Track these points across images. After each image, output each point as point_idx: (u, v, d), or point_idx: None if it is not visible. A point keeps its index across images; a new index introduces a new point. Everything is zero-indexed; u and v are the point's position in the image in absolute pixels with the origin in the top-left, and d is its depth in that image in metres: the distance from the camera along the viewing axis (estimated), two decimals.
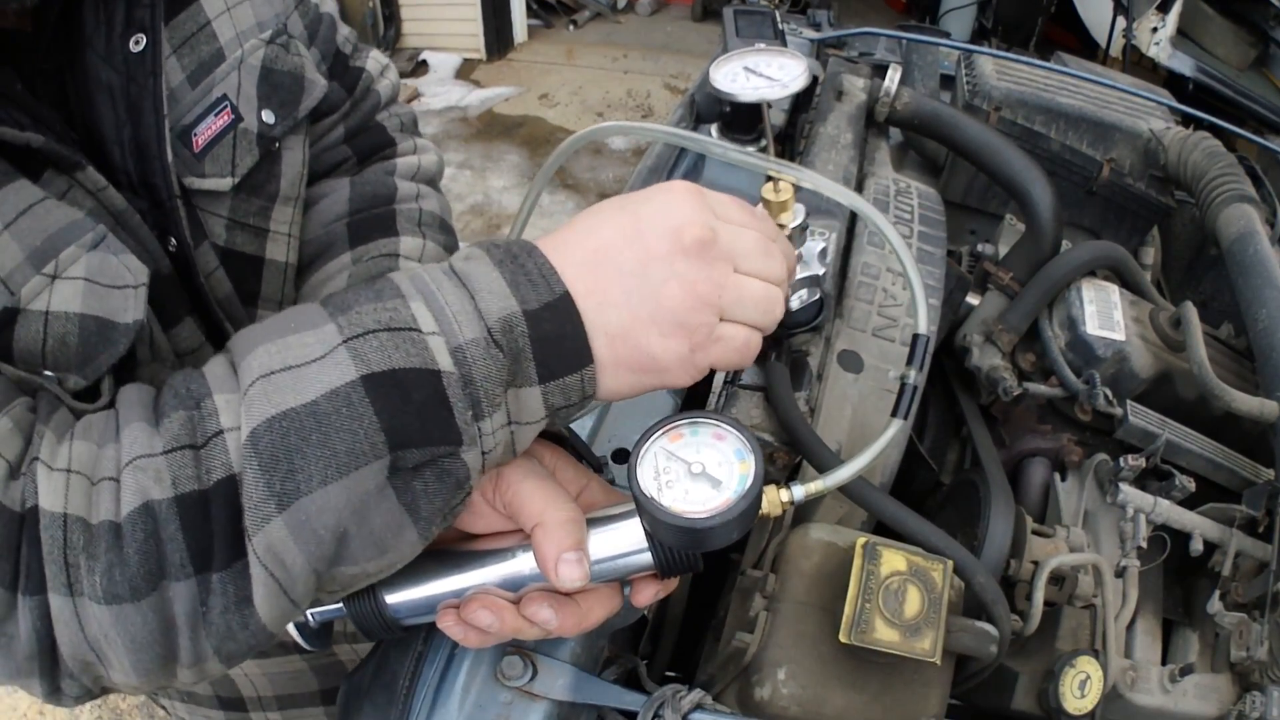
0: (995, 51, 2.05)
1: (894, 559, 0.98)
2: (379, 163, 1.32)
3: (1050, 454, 1.48)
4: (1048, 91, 1.88)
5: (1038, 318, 1.50)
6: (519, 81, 7.60)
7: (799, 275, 1.12)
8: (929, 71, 2.18)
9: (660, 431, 0.87)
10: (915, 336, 0.97)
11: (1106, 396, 1.38)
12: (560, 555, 0.84)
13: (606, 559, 0.90)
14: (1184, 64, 4.99)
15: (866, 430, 1.24)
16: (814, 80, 1.88)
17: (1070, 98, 1.87)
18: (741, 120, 1.53)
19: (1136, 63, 5.20)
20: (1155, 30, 5.15)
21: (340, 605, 0.92)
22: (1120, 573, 1.26)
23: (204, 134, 1.05)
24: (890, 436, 0.91)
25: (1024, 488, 1.47)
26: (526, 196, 1.08)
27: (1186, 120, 2.01)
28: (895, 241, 0.93)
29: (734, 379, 1.23)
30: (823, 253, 1.11)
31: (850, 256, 1.41)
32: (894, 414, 0.96)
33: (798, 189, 1.03)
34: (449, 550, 0.93)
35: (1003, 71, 1.92)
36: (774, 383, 1.17)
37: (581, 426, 1.27)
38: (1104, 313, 1.46)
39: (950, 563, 0.99)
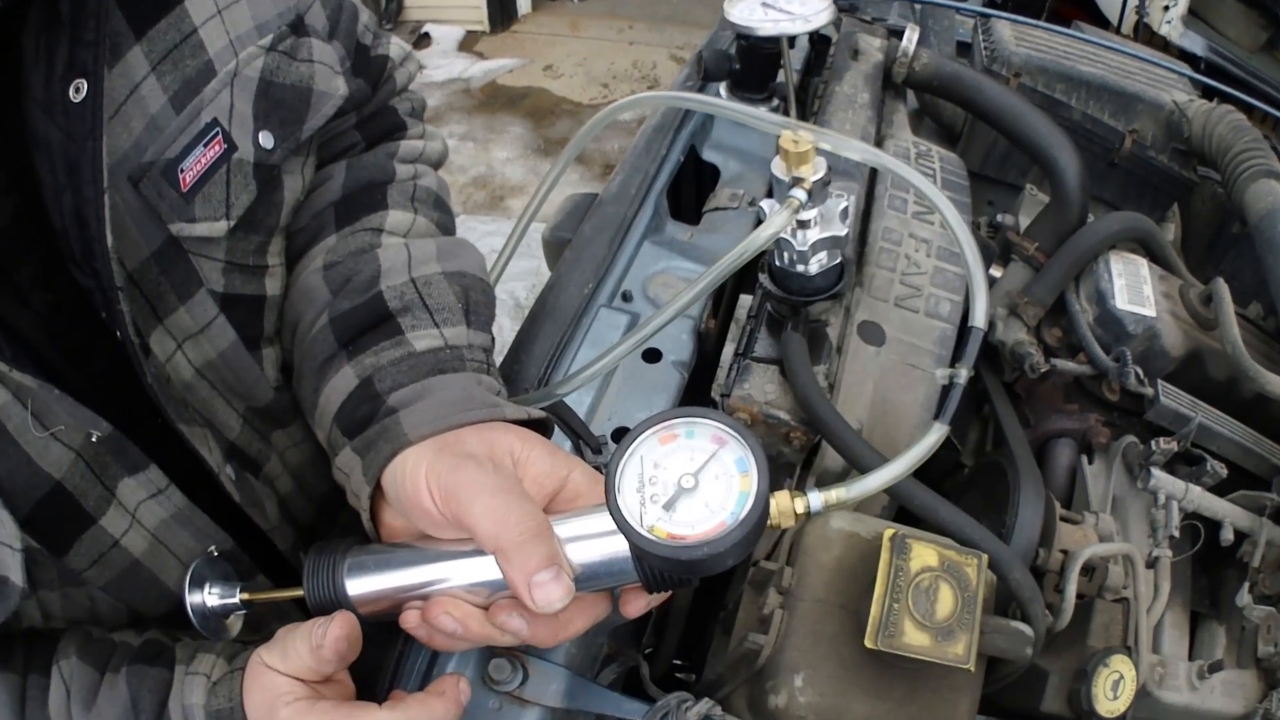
0: (1013, 16, 1.97)
1: (925, 553, 0.88)
2: (383, 146, 1.19)
3: (1077, 435, 1.39)
4: (1068, 59, 1.81)
5: (1064, 291, 1.42)
6: (523, 53, 7.44)
7: (819, 236, 1.02)
8: (945, 38, 2.11)
9: (650, 431, 0.76)
10: (970, 329, 0.85)
11: (1138, 375, 1.31)
12: (529, 580, 0.76)
13: (588, 568, 0.80)
14: (1195, 43, 4.91)
15: (889, 409, 1.15)
16: (827, 41, 1.80)
17: (1091, 66, 1.80)
18: (752, 76, 1.43)
19: (1148, 41, 5.09)
20: (1167, 9, 5.04)
21: (238, 600, 0.91)
22: (1152, 563, 1.20)
23: (192, 169, 0.89)
24: (930, 444, 0.80)
25: (1049, 470, 1.39)
26: (549, 172, 1.07)
27: (1207, 94, 1.94)
28: (948, 212, 0.82)
29: (746, 350, 1.14)
30: (844, 212, 1.02)
31: (870, 221, 1.33)
32: (937, 416, 0.85)
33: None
34: (419, 545, 0.86)
35: (1021, 37, 1.85)
36: (790, 355, 1.07)
37: (579, 402, 1.18)
38: (1133, 287, 1.38)
39: (985, 557, 0.90)
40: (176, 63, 0.88)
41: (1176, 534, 1.20)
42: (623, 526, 0.72)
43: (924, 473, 1.24)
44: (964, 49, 2.13)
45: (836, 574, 0.95)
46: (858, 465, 0.97)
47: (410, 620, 0.83)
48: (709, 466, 0.74)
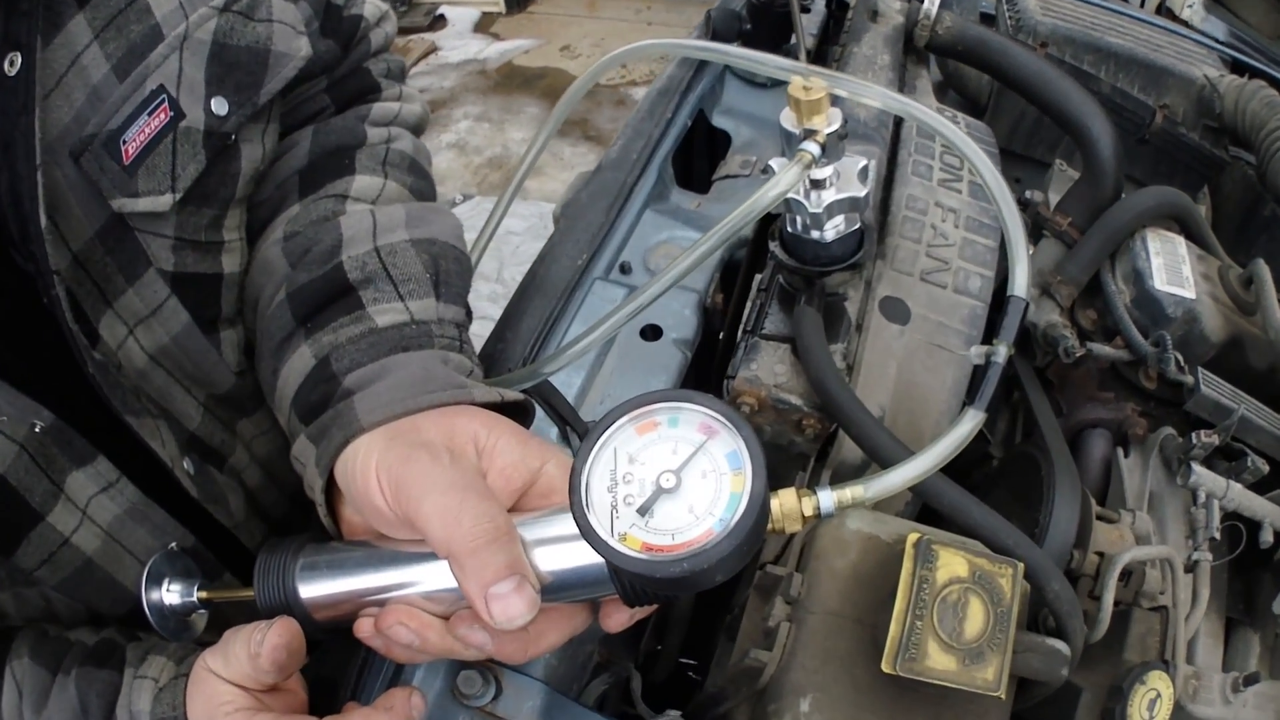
0: None
1: (953, 561, 0.77)
2: (354, 109, 1.12)
3: (1112, 425, 1.31)
4: (1096, 29, 1.76)
5: (1099, 270, 1.34)
6: (539, 34, 7.41)
7: (836, 197, 0.91)
8: (967, 6, 2.00)
9: (625, 418, 0.65)
10: (1009, 299, 0.74)
11: (1178, 361, 1.23)
12: (485, 592, 0.67)
13: (559, 577, 0.70)
14: (1216, 28, 4.85)
15: (914, 393, 1.04)
16: (845, 6, 1.73)
17: (1119, 37, 1.75)
18: (764, 36, 1.33)
19: None
20: None
21: (195, 599, 0.86)
22: (1190, 567, 1.11)
23: (135, 140, 0.84)
24: (964, 434, 0.69)
25: (1083, 463, 1.31)
26: (538, 132, 1.02)
27: (1236, 69, 1.90)
28: (981, 165, 0.72)
29: (755, 326, 1.03)
30: (863, 171, 0.91)
31: (893, 188, 1.23)
32: (970, 402, 0.74)
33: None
34: (379, 545, 0.77)
35: (1048, 6, 1.79)
36: (804, 332, 0.96)
37: (568, 383, 1.07)
38: (1171, 266, 1.30)
39: (1021, 565, 0.79)
40: (120, 28, 0.83)
41: (1217, 535, 1.13)
42: (589, 535, 0.62)
43: (950, 464, 1.17)
44: (987, 20, 2.04)
45: (852, 582, 0.84)
46: (878, 458, 0.85)
47: (364, 629, 0.76)
48: (695, 461, 0.63)
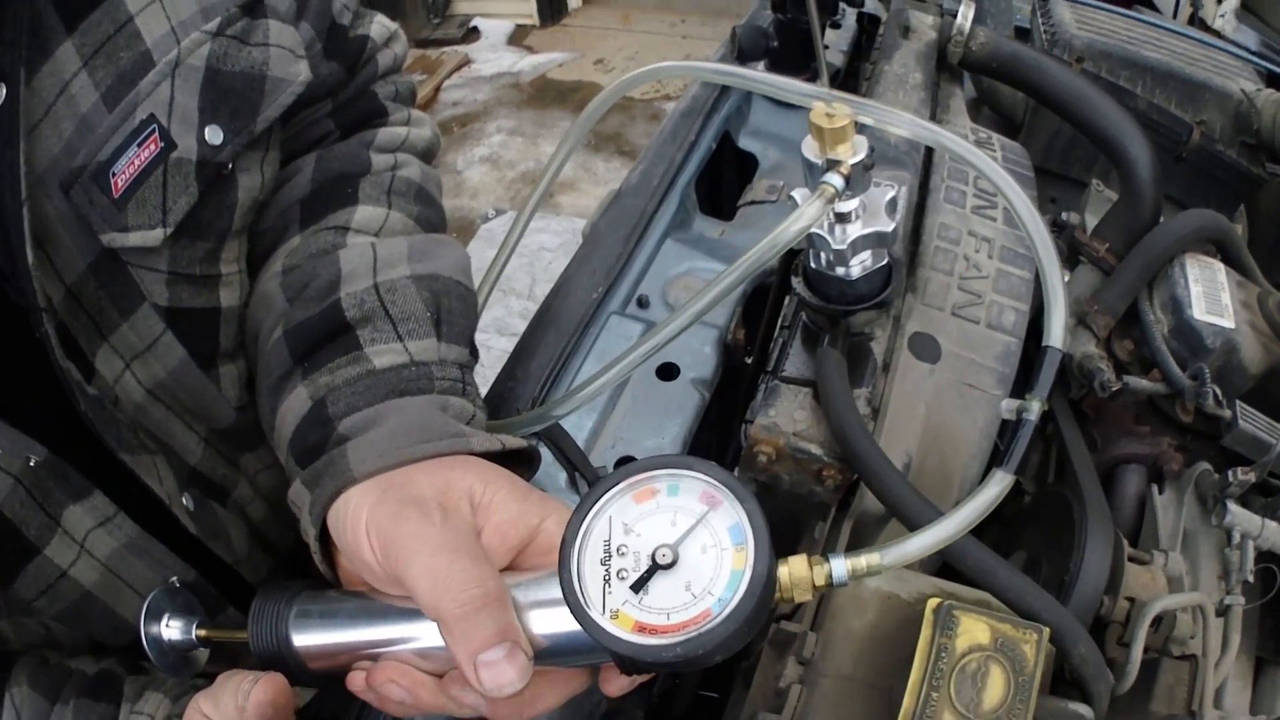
0: None
1: (974, 628, 0.73)
2: (359, 135, 1.09)
3: (1147, 461, 1.26)
4: (1133, 44, 1.72)
5: (1137, 298, 1.28)
6: (573, 47, 7.41)
7: (861, 231, 0.87)
8: (1002, 21, 1.97)
9: (621, 485, 0.60)
10: (1044, 350, 0.68)
11: (1216, 396, 1.18)
12: (475, 659, 0.64)
13: (555, 641, 0.66)
14: (1248, 38, 4.82)
15: (943, 435, 0.99)
16: (876, 21, 1.72)
17: (1156, 51, 1.72)
18: (791, 54, 1.28)
19: None
20: (1220, 1, 4.96)
21: (194, 638, 0.83)
22: (1222, 611, 1.07)
23: (125, 172, 0.81)
24: (991, 497, 0.64)
25: (1116, 500, 1.26)
26: (560, 144, 1.00)
27: (1271, 81, 1.88)
28: (1016, 200, 0.67)
29: (775, 368, 0.98)
30: (891, 203, 0.87)
31: (924, 216, 1.18)
32: (1000, 464, 0.69)
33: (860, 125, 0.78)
34: (374, 597, 0.74)
35: (1083, 20, 1.77)
36: (826, 376, 0.91)
37: (578, 425, 1.03)
38: (1211, 294, 1.25)
39: (1047, 631, 0.74)
40: (110, 56, 0.81)
41: (1251, 579, 1.09)
42: (577, 613, 0.58)
43: None
44: (1022, 35, 2.02)
45: (869, 644, 0.80)
46: (900, 516, 0.80)
47: (356, 683, 0.74)
48: (695, 534, 0.59)
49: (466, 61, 7.23)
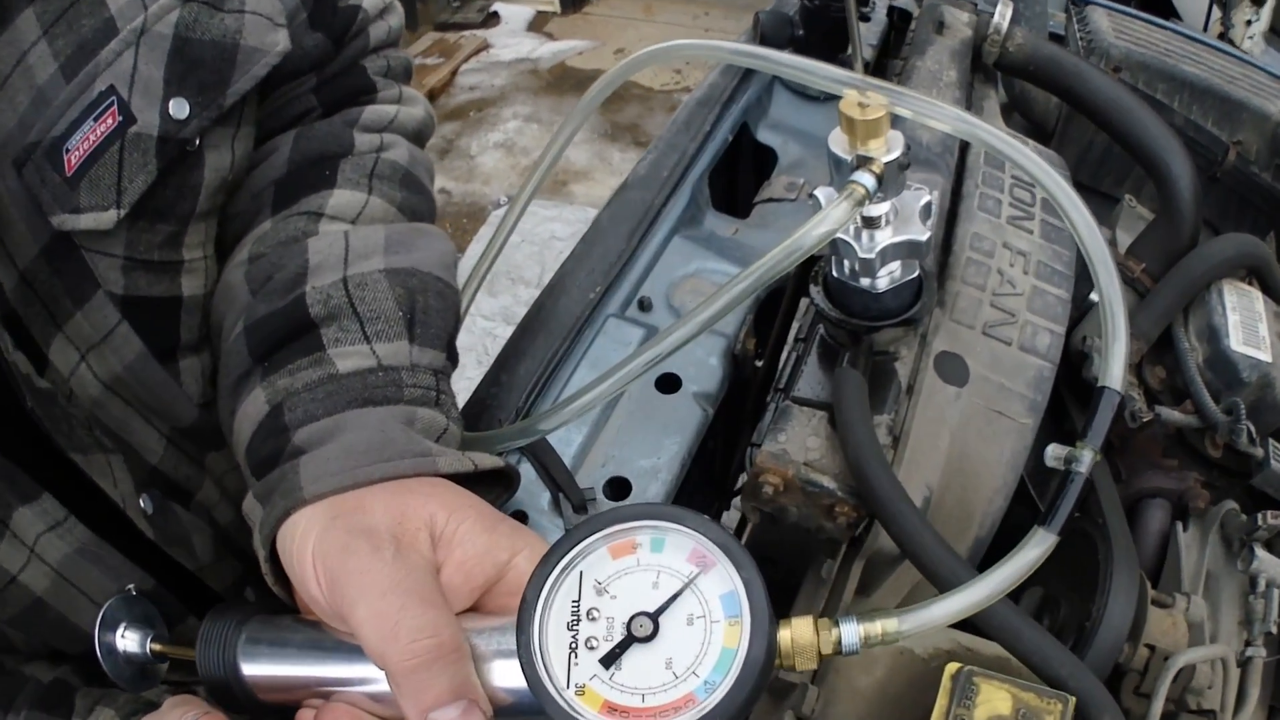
0: (1111, 5, 1.83)
1: (995, 697, 0.67)
2: (343, 112, 1.03)
3: (1173, 496, 1.21)
4: (1170, 56, 1.65)
5: (1171, 324, 1.23)
6: (594, 35, 7.33)
7: (892, 239, 0.79)
8: (1036, 25, 1.90)
9: (596, 536, 0.52)
10: (1100, 391, 0.61)
11: (1250, 434, 1.13)
12: (425, 717, 0.58)
13: (521, 697, 0.58)
14: (1277, 61, 4.82)
15: (966, 466, 0.90)
16: (908, 17, 1.66)
17: (1194, 66, 1.64)
18: (818, 43, 1.20)
19: None
20: (1250, 23, 4.97)
21: (148, 652, 0.79)
22: (1244, 663, 1.01)
23: (79, 149, 0.76)
24: (1031, 560, 0.56)
25: (1139, 536, 1.20)
26: (557, 132, 1.00)
27: None
28: (1077, 215, 0.61)
29: (787, 387, 0.90)
30: (926, 208, 0.79)
31: (955, 225, 1.09)
32: (1043, 522, 0.61)
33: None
34: (328, 630, 0.68)
35: (1121, 29, 1.69)
36: (845, 401, 0.82)
37: (565, 440, 0.95)
38: (1248, 325, 1.20)
39: (1073, 702, 0.68)
40: (71, 23, 0.76)
41: (1274, 629, 1.04)
42: (535, 685, 0.50)
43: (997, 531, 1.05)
44: (1056, 41, 1.93)
45: (876, 704, 0.74)
46: (925, 571, 0.71)
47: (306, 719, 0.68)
48: (680, 602, 0.51)
49: (485, 46, 7.15)
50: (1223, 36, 5.24)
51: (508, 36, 7.27)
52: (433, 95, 6.34)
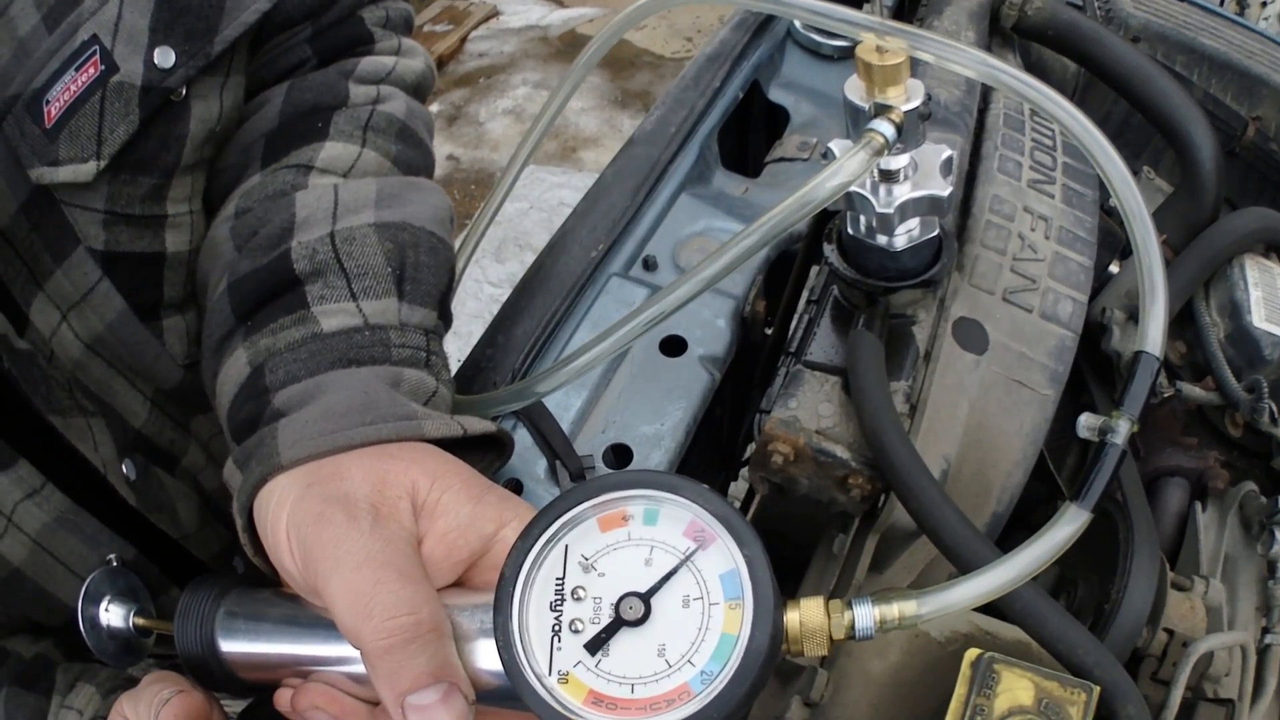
0: None
1: (1017, 686, 0.63)
2: (339, 63, 1.00)
3: (1192, 475, 1.20)
4: (1189, 29, 1.63)
5: (1192, 298, 1.22)
6: (604, 3, 7.27)
7: (911, 194, 0.74)
8: None
9: (584, 505, 0.48)
10: (1138, 356, 0.57)
11: (1272, 413, 1.12)
12: (402, 701, 0.53)
13: (505, 679, 0.52)
14: None
15: (984, 438, 0.86)
16: None
17: (1214, 39, 1.63)
18: None
19: None
20: (1265, 4, 4.95)
21: (131, 626, 0.78)
22: (1263, 651, 1.00)
23: (59, 100, 0.75)
24: (1062, 539, 0.53)
25: (1157, 514, 1.18)
26: (559, 86, 1.00)
27: None
28: (1111, 168, 0.62)
29: (799, 350, 0.86)
30: (947, 163, 0.75)
31: (974, 187, 1.05)
32: (1075, 497, 0.58)
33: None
34: (305, 605, 0.64)
35: (1140, 0, 1.67)
36: (860, 365, 0.78)
37: (564, 404, 0.92)
38: (1270, 300, 1.19)
39: (1097, 690, 0.65)
40: None
41: None
42: (513, 672, 0.46)
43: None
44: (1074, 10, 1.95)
45: (890, 690, 0.70)
46: (945, 550, 0.67)
47: (283, 702, 0.65)
48: (675, 581, 0.46)
49: (495, 13, 7.12)
50: (1240, 14, 5.26)
51: (517, 3, 7.23)
52: (442, 62, 6.32)
